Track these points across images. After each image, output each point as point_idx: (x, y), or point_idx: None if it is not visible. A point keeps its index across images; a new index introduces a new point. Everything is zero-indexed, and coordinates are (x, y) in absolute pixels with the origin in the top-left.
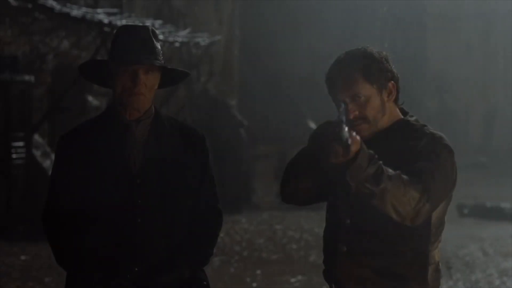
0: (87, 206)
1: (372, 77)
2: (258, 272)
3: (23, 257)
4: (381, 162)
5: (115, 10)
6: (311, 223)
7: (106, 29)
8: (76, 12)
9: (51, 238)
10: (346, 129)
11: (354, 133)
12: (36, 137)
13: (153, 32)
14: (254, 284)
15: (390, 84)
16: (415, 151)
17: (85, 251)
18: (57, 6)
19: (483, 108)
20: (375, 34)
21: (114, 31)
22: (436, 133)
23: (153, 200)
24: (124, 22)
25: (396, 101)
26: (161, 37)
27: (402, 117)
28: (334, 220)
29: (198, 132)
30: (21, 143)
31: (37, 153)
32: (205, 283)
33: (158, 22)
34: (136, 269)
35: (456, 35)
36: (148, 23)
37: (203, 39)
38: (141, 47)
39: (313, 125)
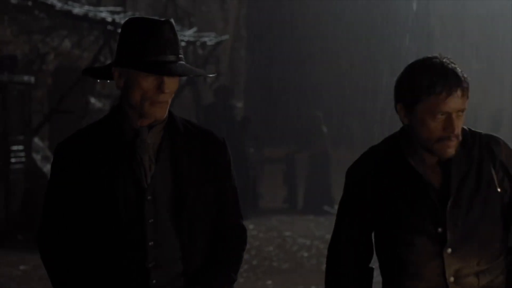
0: (89, 227)
1: (468, 92)
2: (269, 282)
3: (22, 267)
4: None
5: (118, 8)
6: (321, 229)
7: (109, 27)
8: (78, 10)
9: (46, 263)
10: None
11: None
12: (36, 141)
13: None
14: None
15: None
16: (500, 161)
17: (88, 279)
18: (58, 4)
19: (490, 110)
20: (382, 36)
21: (120, 29)
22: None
23: (167, 219)
24: None
25: None
26: None
27: None
28: (421, 252)
29: (218, 136)
30: (20, 147)
31: (37, 157)
32: None
33: None
34: None
35: (462, 37)
36: None
37: (209, 39)
38: (168, 49)
39: (325, 129)
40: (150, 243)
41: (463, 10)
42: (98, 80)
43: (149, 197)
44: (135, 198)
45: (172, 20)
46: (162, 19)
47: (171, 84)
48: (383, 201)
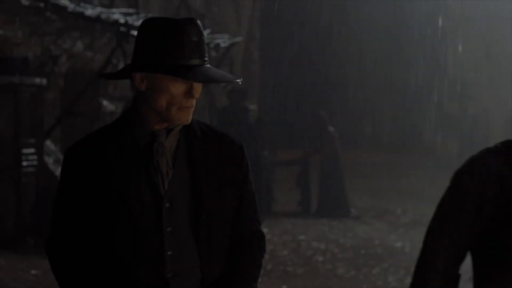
0: (103, 237)
1: None
2: (284, 287)
3: (33, 272)
4: None
5: (131, 10)
6: (335, 233)
7: (122, 29)
8: (90, 11)
9: (57, 274)
10: None
11: None
12: (48, 144)
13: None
14: None
15: None
16: None
17: None
18: (70, 5)
19: (504, 113)
20: (393, 37)
21: (132, 30)
22: None
23: (185, 227)
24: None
25: None
26: None
27: None
28: None
29: (235, 140)
30: (32, 150)
31: (49, 160)
32: None
33: None
34: None
35: (473, 38)
36: None
37: (223, 40)
38: (196, 51)
39: (331, 129)
40: (168, 253)
41: (474, 11)
42: (112, 80)
43: (167, 204)
44: (152, 206)
45: (198, 21)
46: (187, 19)
47: (199, 88)
48: (504, 197)
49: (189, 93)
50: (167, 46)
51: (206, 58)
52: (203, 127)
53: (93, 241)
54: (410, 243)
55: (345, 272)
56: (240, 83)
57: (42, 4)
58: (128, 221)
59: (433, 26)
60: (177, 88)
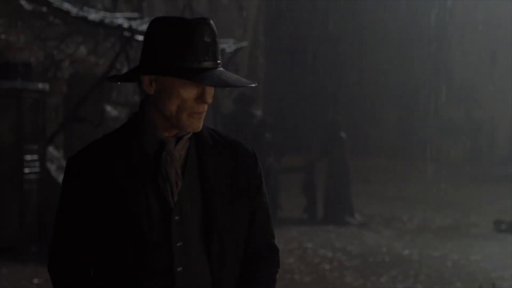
0: (109, 252)
1: None
2: None
3: (36, 281)
4: None
5: (135, 14)
6: (342, 240)
7: (126, 34)
8: (93, 16)
9: None
10: None
11: None
12: (51, 150)
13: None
14: None
15: None
16: None
17: None
18: (73, 10)
19: (509, 119)
20: (400, 43)
21: (136, 35)
22: None
23: (196, 242)
24: (145, 27)
25: None
26: None
27: None
28: None
29: (248, 148)
30: (34, 156)
31: (51, 167)
32: None
33: None
34: None
35: (481, 44)
36: None
37: (228, 45)
38: (210, 54)
39: (343, 135)
40: (178, 269)
41: (482, 16)
42: (115, 85)
43: (176, 217)
44: (161, 219)
45: (211, 21)
46: (200, 18)
47: (212, 92)
48: None
49: (201, 98)
50: (178, 47)
51: (219, 61)
52: (214, 134)
53: (98, 256)
54: (417, 251)
55: (352, 280)
56: (252, 86)
57: (45, 9)
58: (135, 235)
59: (438, 31)
60: (189, 92)
